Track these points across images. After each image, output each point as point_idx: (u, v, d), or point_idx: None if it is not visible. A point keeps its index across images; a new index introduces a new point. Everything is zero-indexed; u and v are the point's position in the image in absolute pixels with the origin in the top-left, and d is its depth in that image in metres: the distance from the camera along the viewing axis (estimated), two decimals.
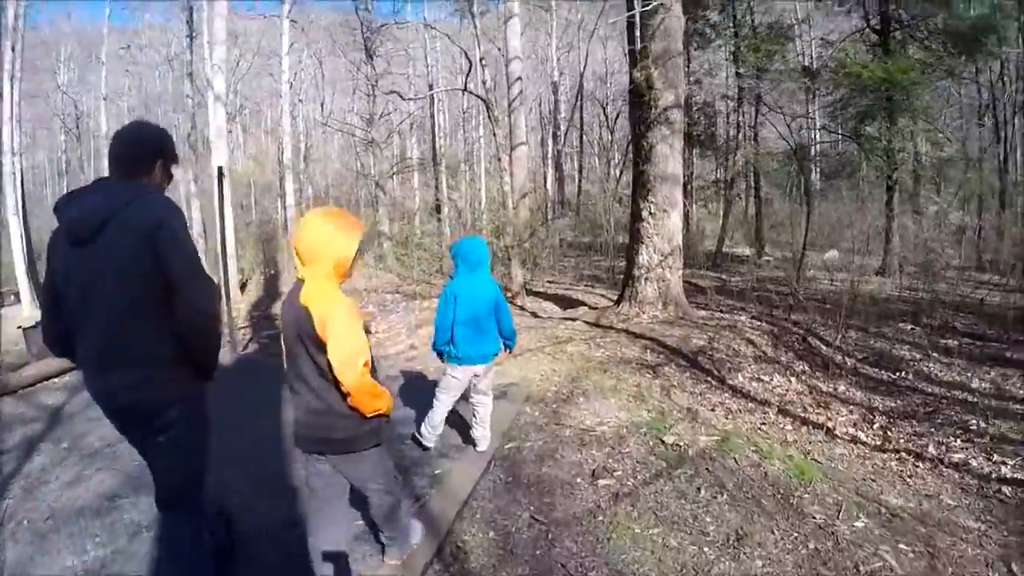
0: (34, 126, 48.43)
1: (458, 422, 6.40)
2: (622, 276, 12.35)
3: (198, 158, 23.43)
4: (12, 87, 19.77)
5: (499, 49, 24.25)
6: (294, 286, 3.46)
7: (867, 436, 6.63)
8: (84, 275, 3.10)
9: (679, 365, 8.50)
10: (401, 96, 18.23)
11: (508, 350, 6.02)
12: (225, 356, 9.01)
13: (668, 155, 10.76)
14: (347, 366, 3.26)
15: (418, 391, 7.45)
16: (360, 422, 3.48)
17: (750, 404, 7.32)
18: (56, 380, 8.84)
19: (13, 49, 19.71)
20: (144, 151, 3.41)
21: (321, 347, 3.29)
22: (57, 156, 50.86)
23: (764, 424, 6.72)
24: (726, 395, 7.58)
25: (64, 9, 45.42)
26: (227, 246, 8.28)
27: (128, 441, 3.53)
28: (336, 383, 3.34)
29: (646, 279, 10.97)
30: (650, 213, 10.83)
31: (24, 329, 10.38)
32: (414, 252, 19.35)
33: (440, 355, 5.68)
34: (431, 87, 31.09)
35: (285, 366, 3.60)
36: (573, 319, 11.60)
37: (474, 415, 5.92)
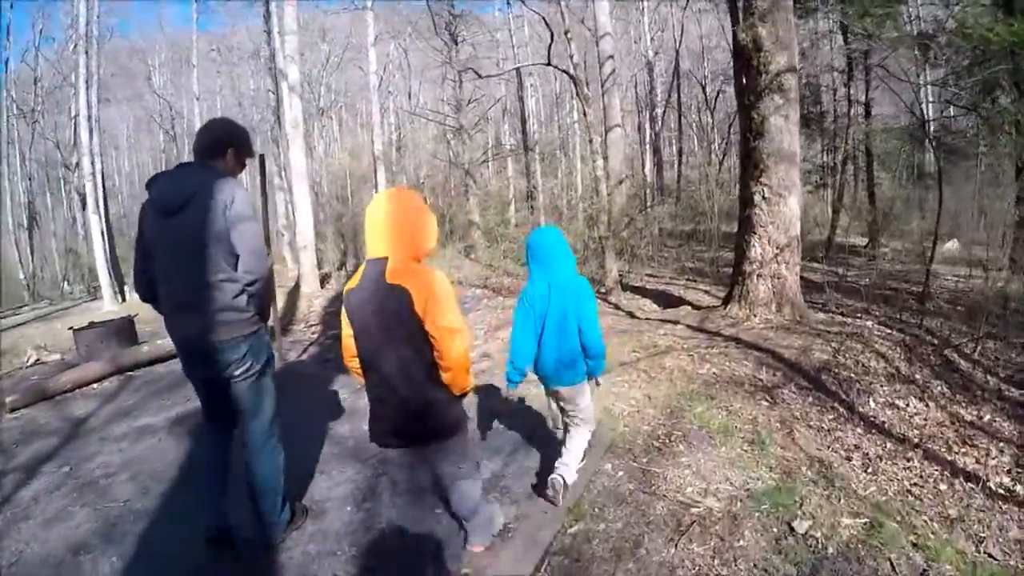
0: (136, 129, 55.77)
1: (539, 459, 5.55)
2: (729, 271, 11.09)
3: (281, 151, 23.25)
4: (87, 91, 20.36)
5: (589, 30, 23.19)
6: (366, 269, 3.44)
7: None
8: (172, 239, 3.78)
9: (800, 387, 7.08)
10: (477, 73, 17.24)
11: (592, 377, 4.73)
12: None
13: (783, 128, 9.30)
14: (454, 337, 3.33)
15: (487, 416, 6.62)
16: (452, 405, 3.56)
17: (889, 444, 5.86)
18: (95, 386, 8.94)
19: (87, 53, 20.22)
20: (217, 141, 4.07)
21: (419, 327, 3.30)
22: (157, 155, 53.03)
23: (914, 483, 5.19)
24: (859, 430, 6.14)
25: (155, 18, 48.01)
26: (269, 231, 7.85)
27: (203, 382, 4.15)
28: (431, 365, 3.40)
29: (758, 276, 9.57)
30: (763, 198, 9.42)
31: (75, 330, 10.36)
32: (501, 242, 18.37)
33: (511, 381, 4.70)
34: (519, 72, 30.11)
35: (359, 358, 3.57)
36: (674, 322, 10.23)
37: (564, 440, 4.95)
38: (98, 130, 21.79)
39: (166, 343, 9.63)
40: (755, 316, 9.55)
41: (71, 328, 10.76)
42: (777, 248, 9.39)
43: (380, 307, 3.31)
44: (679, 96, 33.97)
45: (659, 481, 4.98)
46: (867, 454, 5.66)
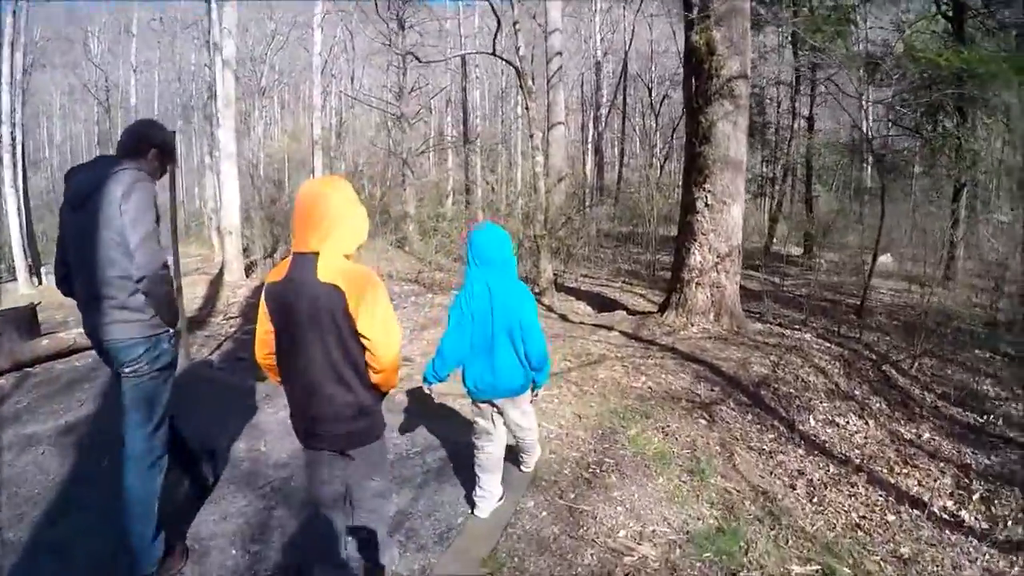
0: (70, 98, 54.94)
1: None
2: (667, 275, 10.85)
3: (213, 130, 22.57)
4: (12, 54, 20.04)
5: (540, 25, 22.81)
6: (292, 264, 3.20)
7: (970, 514, 5.08)
8: (78, 232, 3.70)
9: (740, 403, 6.78)
10: (417, 58, 16.77)
11: (534, 389, 4.54)
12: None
13: (731, 135, 9.02)
14: (390, 343, 3.24)
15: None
16: (377, 409, 3.45)
17: (832, 467, 5.63)
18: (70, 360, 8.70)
19: (15, 14, 20.06)
20: (140, 140, 4.01)
21: (350, 327, 3.15)
22: (91, 127, 53.11)
23: (862, 516, 4.90)
24: (801, 451, 5.90)
25: None
26: (176, 223, 8.00)
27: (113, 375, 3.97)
28: (359, 366, 3.26)
29: (697, 284, 9.30)
30: (706, 204, 9.12)
31: None
32: (432, 237, 17.91)
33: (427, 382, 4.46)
34: (463, 60, 29.76)
35: (278, 356, 3.36)
36: (609, 328, 9.82)
37: (517, 444, 4.87)
38: (20, 98, 21.08)
39: (67, 337, 9.10)
40: (692, 325, 9.27)
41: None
42: (718, 257, 9.12)
43: (310, 305, 3.13)
44: (624, 98, 33.83)
45: (588, 522, 4.49)
46: (811, 480, 5.39)
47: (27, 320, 9.45)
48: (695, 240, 9.28)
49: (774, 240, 20.99)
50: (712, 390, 7.10)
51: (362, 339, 3.19)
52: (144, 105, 45.05)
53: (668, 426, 6.08)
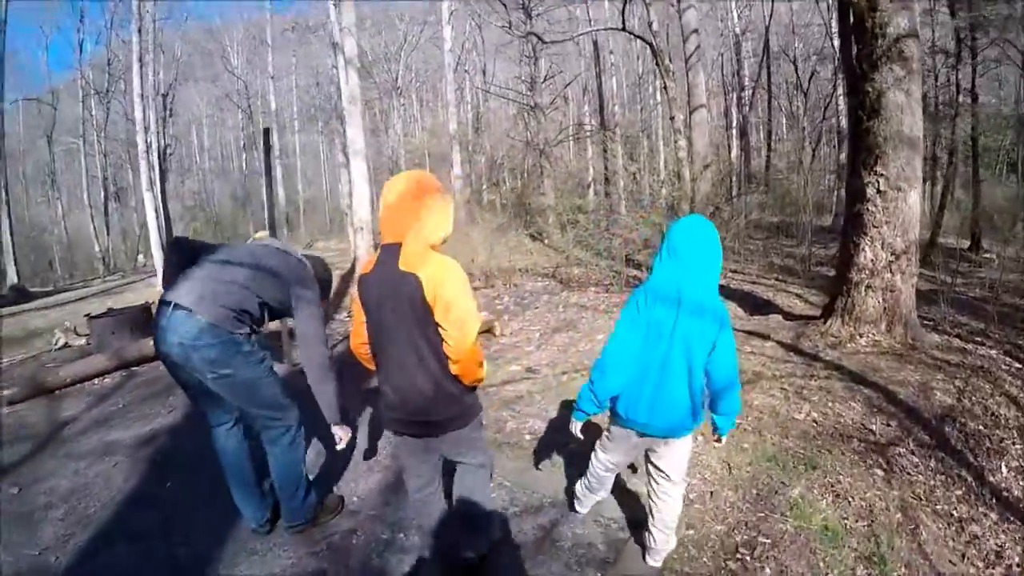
0: (216, 107, 58.80)
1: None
2: (823, 271, 9.47)
3: (345, 128, 22.72)
4: (141, 69, 21.44)
5: (672, 5, 21.40)
6: (381, 255, 3.31)
7: None
8: None
9: (921, 444, 5.33)
10: (540, 39, 15.90)
11: (716, 432, 3.60)
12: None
13: (903, 106, 7.48)
14: (465, 332, 3.20)
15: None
16: (464, 394, 3.40)
17: None
18: (96, 381, 8.54)
19: (140, 32, 21.50)
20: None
21: (429, 316, 3.18)
22: (237, 133, 59.05)
23: None
24: (994, 515, 4.42)
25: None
26: (275, 208, 8.72)
27: None
28: (443, 354, 3.26)
29: (868, 287, 7.85)
30: (878, 191, 7.65)
31: (89, 317, 10.05)
32: (571, 229, 16.86)
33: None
34: (595, 44, 28.73)
35: (370, 345, 3.46)
36: (764, 336, 8.52)
37: (650, 508, 3.77)
38: (156, 107, 22.90)
39: None
40: (860, 336, 7.87)
41: (86, 315, 10.48)
42: (892, 254, 7.66)
43: (393, 294, 3.21)
44: (769, 77, 31.87)
45: None
46: (1010, 566, 3.98)
47: (140, 319, 9.83)
48: (865, 234, 7.83)
49: (940, 231, 18.66)
50: (888, 424, 5.71)
51: (441, 330, 3.20)
52: (284, 110, 47.65)
53: (838, 482, 4.77)
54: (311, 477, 4.50)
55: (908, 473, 4.94)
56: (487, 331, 9.98)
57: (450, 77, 26.73)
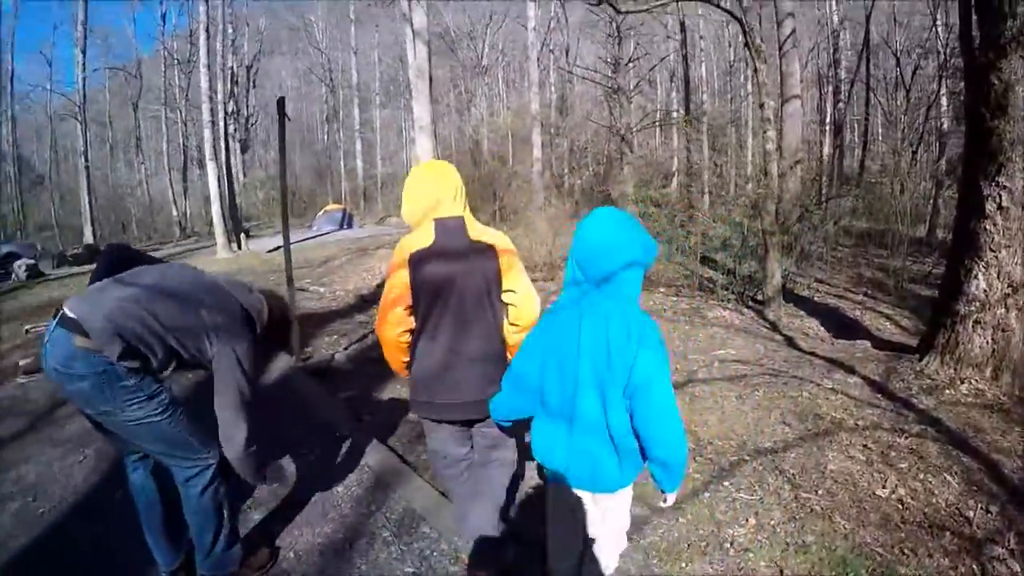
0: (303, 79, 61.28)
1: None
2: (916, 289, 8.15)
3: (407, 104, 22.52)
4: (207, 39, 22.65)
5: None
6: (439, 229, 3.23)
7: None
8: None
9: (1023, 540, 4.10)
10: (615, 7, 14.76)
11: (660, 487, 2.80)
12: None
13: None
14: (535, 298, 3.38)
15: None
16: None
17: None
18: None
19: (207, 2, 22.75)
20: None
21: (499, 288, 3.29)
22: (321, 105, 60.51)
23: None
24: None
25: None
26: (286, 182, 8.20)
27: None
28: (503, 329, 3.37)
29: (976, 322, 6.48)
30: (998, 207, 6.22)
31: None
32: (645, 221, 15.81)
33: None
34: (682, 26, 27.43)
35: (422, 323, 3.32)
36: (849, 368, 7.27)
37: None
38: (226, 78, 24.49)
39: None
40: (962, 382, 6.53)
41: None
42: (1009, 285, 6.30)
43: (467, 266, 3.18)
44: (868, 71, 29.93)
45: None
46: None
47: None
48: (979, 258, 6.45)
49: None
50: (988, 511, 4.43)
51: (508, 296, 3.30)
52: (365, 85, 48.61)
53: None
54: (239, 526, 3.90)
55: None
56: None
57: (533, 56, 26.02)
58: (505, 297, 3.31)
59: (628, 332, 2.55)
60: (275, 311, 3.67)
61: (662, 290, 12.52)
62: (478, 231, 3.27)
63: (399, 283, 3.23)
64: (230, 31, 36.63)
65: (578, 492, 2.82)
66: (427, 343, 3.31)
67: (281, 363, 7.78)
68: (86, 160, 31.34)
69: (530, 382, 2.84)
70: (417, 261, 3.19)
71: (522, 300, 3.30)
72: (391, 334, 3.36)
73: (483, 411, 3.22)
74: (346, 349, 8.68)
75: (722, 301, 11.56)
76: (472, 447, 3.72)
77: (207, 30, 22.07)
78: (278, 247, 13.86)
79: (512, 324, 3.35)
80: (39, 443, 5.85)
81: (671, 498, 2.83)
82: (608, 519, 2.91)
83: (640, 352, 2.53)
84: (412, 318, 3.32)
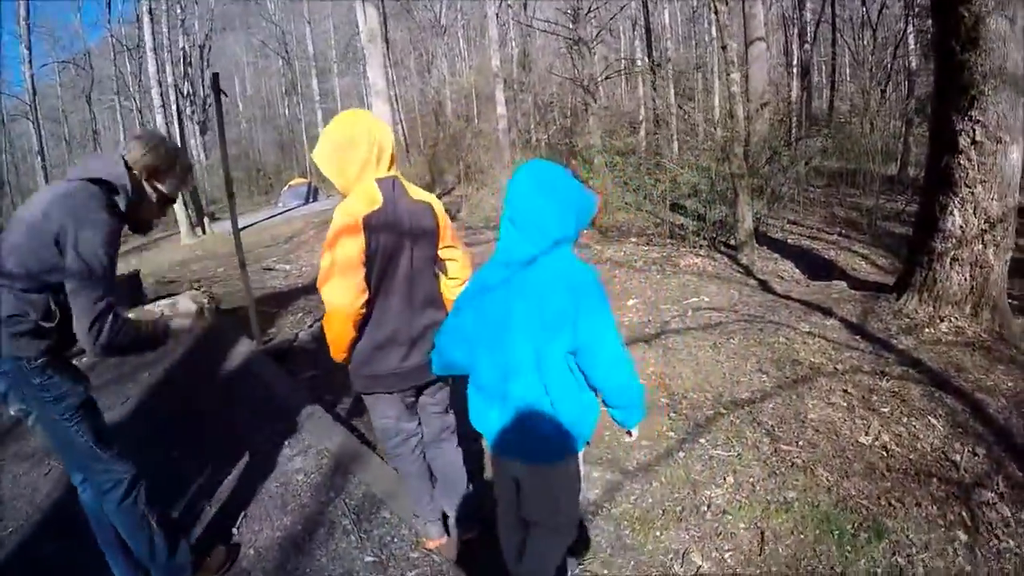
0: (259, 54, 62.06)
1: None
2: (890, 227, 7.96)
3: (365, 69, 22.20)
4: (151, 22, 23.21)
5: None
6: (383, 189, 3.05)
7: None
8: None
9: (1014, 484, 3.95)
10: None
11: (623, 426, 2.83)
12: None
13: (1006, 36, 5.77)
14: (470, 255, 3.48)
15: None
16: None
17: None
18: (84, 358, 7.47)
19: None
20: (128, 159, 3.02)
21: (436, 247, 3.27)
22: (278, 79, 60.81)
23: None
24: None
25: None
26: (227, 161, 7.90)
27: None
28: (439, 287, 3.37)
29: (954, 259, 6.30)
30: (972, 141, 6.02)
31: None
32: (612, 171, 15.52)
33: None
34: None
35: (372, 291, 3.07)
36: (825, 310, 7.08)
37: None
38: (174, 59, 25.15)
39: (155, 309, 7.95)
40: (941, 320, 6.38)
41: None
42: (986, 221, 6.11)
43: (413, 226, 3.10)
44: (833, 11, 29.72)
45: None
46: None
47: (127, 288, 9.09)
48: (954, 194, 6.27)
49: None
50: (975, 454, 4.27)
51: (448, 252, 3.32)
52: (322, 54, 48.66)
53: (911, 554, 3.45)
54: (198, 524, 3.99)
55: (996, 536, 3.59)
56: None
57: (491, 12, 25.85)
58: (444, 253, 3.30)
59: (566, 288, 2.43)
60: (151, 157, 3.05)
61: (633, 240, 12.33)
62: (414, 191, 3.21)
63: (355, 249, 2.98)
64: (179, 12, 36.20)
65: (516, 463, 2.73)
66: (379, 312, 3.16)
67: (242, 348, 7.54)
68: (43, 159, 31.00)
69: (465, 334, 2.76)
70: (369, 222, 2.99)
71: (462, 256, 3.35)
72: (353, 305, 3.03)
73: (426, 376, 3.24)
74: (310, 327, 8.45)
75: (694, 248, 11.34)
76: (419, 421, 3.58)
77: (150, 12, 22.21)
78: (244, 227, 13.68)
79: (452, 279, 3.38)
80: (7, 457, 5.57)
81: (635, 432, 2.85)
82: (549, 497, 2.75)
83: (582, 307, 2.41)
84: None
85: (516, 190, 2.55)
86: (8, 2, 29.82)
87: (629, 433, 2.84)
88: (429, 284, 3.27)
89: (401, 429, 3.44)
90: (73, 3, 53.87)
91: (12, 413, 2.99)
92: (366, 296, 3.05)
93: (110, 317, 2.76)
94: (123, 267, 13.26)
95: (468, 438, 3.84)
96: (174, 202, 3.37)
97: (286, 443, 5.02)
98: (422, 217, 3.14)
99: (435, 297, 3.31)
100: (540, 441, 2.55)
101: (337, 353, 3.23)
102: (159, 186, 3.07)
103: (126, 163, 2.96)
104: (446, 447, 3.60)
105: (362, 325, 3.15)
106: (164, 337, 3.25)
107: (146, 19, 22.29)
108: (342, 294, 2.98)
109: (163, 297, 9.33)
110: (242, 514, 4.13)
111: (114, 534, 3.27)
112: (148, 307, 8.81)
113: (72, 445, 3.04)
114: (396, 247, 3.07)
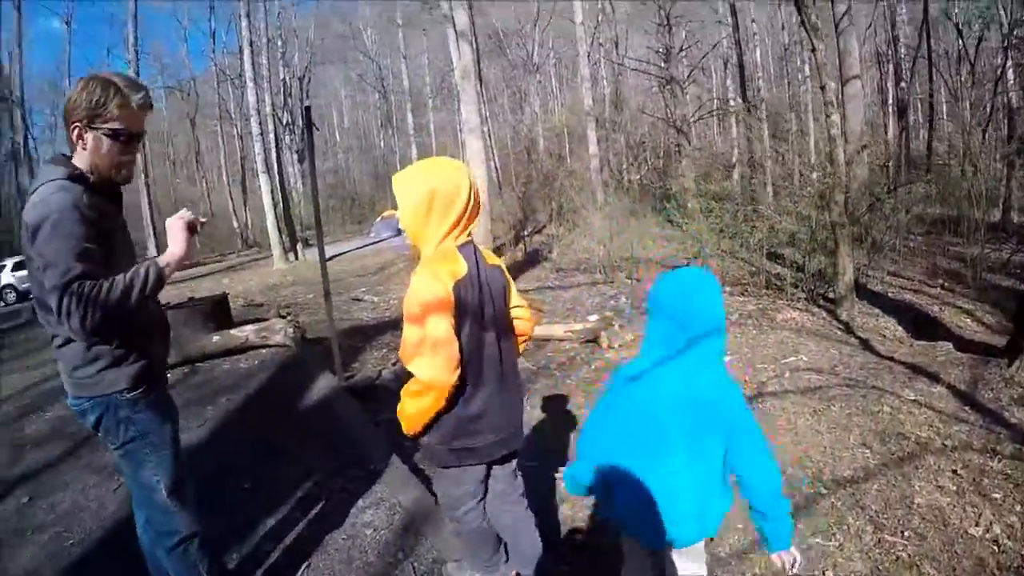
0: (356, 87, 64.32)
1: None
2: (1003, 285, 7.64)
3: (459, 105, 22.21)
4: (251, 55, 24.17)
5: None
6: (465, 255, 2.92)
7: None
8: None
9: None
10: None
11: (773, 543, 2.60)
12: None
13: None
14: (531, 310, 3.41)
15: None
16: None
17: None
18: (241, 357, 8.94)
19: (248, 17, 24.16)
20: (65, 115, 2.75)
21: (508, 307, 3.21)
22: (373, 111, 63.48)
23: None
24: None
25: None
26: (317, 191, 8.40)
27: None
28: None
29: None
30: None
31: (167, 307, 9.19)
32: (708, 216, 15.30)
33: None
34: (733, 9, 26.66)
35: (464, 362, 2.91)
36: (932, 375, 6.82)
37: None
38: (273, 90, 26.01)
39: (239, 334, 9.16)
40: None
41: (164, 304, 9.90)
42: None
43: (496, 294, 3.04)
44: (928, 46, 28.48)
45: None
46: None
47: (215, 310, 9.71)
48: None
49: None
50: None
51: (517, 311, 3.25)
52: (417, 89, 49.68)
53: None
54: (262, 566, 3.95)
55: None
56: (592, 340, 8.99)
57: (583, 51, 25.79)
58: (514, 312, 3.25)
59: (719, 390, 2.50)
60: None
61: (727, 289, 12.09)
62: (487, 254, 3.15)
63: (447, 322, 2.84)
64: (279, 44, 37.65)
65: (650, 548, 2.76)
66: (471, 383, 3.00)
67: (323, 382, 7.60)
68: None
69: (604, 447, 2.71)
70: (460, 295, 2.86)
71: (527, 313, 3.32)
72: (450, 380, 2.88)
73: (520, 440, 3.27)
74: (394, 364, 8.41)
75: (791, 301, 11.09)
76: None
77: (251, 45, 23.24)
78: (335, 256, 13.86)
79: (519, 335, 3.31)
80: (78, 468, 5.83)
81: (796, 555, 2.60)
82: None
83: (736, 409, 2.50)
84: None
85: (670, 291, 2.58)
86: (119, 29, 31.90)
87: (791, 559, 2.60)
88: (511, 349, 3.20)
89: (477, 493, 3.32)
90: (179, 33, 57.07)
91: (99, 437, 3.00)
92: (459, 370, 2.89)
93: (73, 286, 2.49)
94: (215, 287, 13.69)
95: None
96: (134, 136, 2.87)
97: (359, 492, 4.94)
98: (499, 280, 3.09)
99: (516, 361, 3.26)
100: (681, 526, 2.56)
101: (415, 428, 3.07)
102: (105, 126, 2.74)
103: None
104: (517, 508, 3.48)
105: (453, 398, 2.97)
106: (155, 273, 2.74)
107: (246, 51, 23.41)
108: (439, 371, 2.83)
109: (250, 322, 9.70)
110: (305, 564, 4.05)
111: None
112: (234, 331, 9.15)
113: (142, 486, 3.04)
114: (483, 314, 2.98)
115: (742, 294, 11.83)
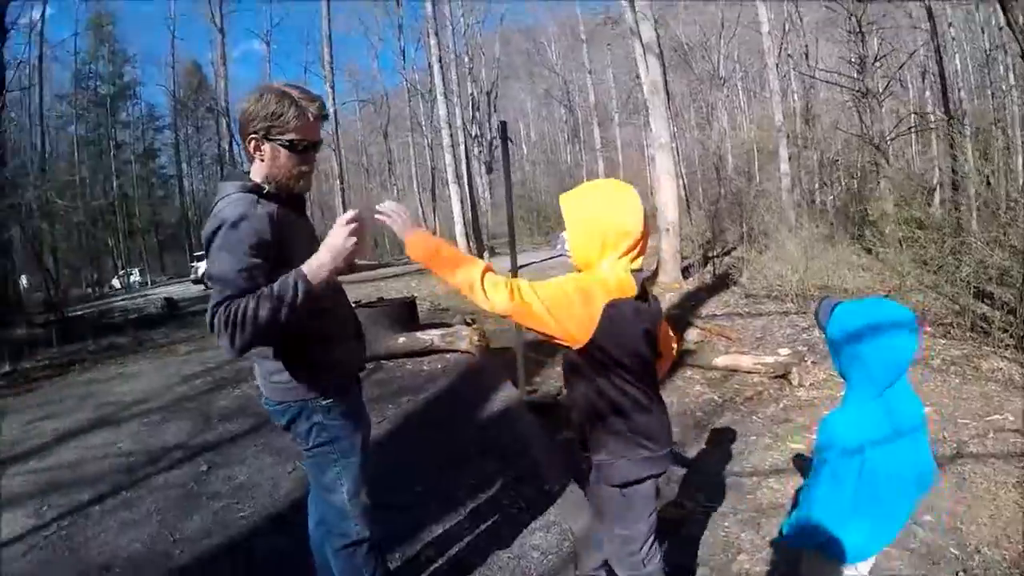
0: (542, 102, 67.07)
1: None
2: None
3: (647, 121, 21.93)
4: (441, 68, 25.87)
5: None
6: (638, 278, 2.78)
7: None
8: None
9: None
10: None
11: None
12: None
13: None
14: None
15: None
16: None
17: None
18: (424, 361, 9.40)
19: (437, 34, 25.58)
20: (240, 127, 2.82)
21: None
22: (559, 125, 65.66)
23: None
24: None
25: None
26: (512, 204, 8.16)
27: None
28: None
29: None
30: None
31: (358, 305, 9.75)
32: (904, 246, 14.55)
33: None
34: (929, 12, 24.81)
35: (635, 381, 2.82)
36: None
37: None
38: (463, 104, 27.83)
39: (425, 337, 9.69)
40: None
41: (355, 302, 10.44)
42: None
43: (656, 320, 2.90)
44: None
45: None
46: None
47: (403, 312, 10.43)
48: None
49: None
50: None
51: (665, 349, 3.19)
52: (603, 104, 50.06)
53: None
54: None
55: None
56: (782, 375, 8.66)
57: (771, 62, 25.58)
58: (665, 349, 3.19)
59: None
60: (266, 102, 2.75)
61: (928, 330, 11.40)
62: (648, 286, 2.96)
63: (581, 315, 2.65)
64: (467, 60, 39.07)
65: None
66: (631, 402, 2.83)
67: (504, 393, 7.70)
68: (342, 182, 36.18)
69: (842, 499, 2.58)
70: (630, 313, 2.73)
71: (673, 351, 3.32)
72: (495, 307, 2.65)
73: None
74: None
75: (999, 347, 10.22)
76: None
77: (440, 62, 24.95)
78: (523, 266, 14.10)
79: (661, 369, 3.19)
80: (256, 447, 6.36)
81: None
82: None
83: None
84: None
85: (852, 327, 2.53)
86: (315, 48, 34.45)
87: None
88: (655, 370, 3.03)
89: (653, 527, 2.98)
90: (371, 50, 60.62)
91: (290, 437, 3.12)
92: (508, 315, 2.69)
93: (221, 308, 2.49)
94: (403, 289, 14.19)
95: None
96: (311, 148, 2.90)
97: (531, 511, 4.87)
98: (659, 311, 2.97)
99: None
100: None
101: (431, 264, 2.76)
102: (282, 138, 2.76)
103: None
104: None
105: (611, 413, 2.83)
106: (303, 288, 2.61)
107: (436, 67, 25.02)
108: (500, 303, 2.63)
109: (436, 326, 9.94)
110: None
111: (330, 573, 3.32)
112: (420, 334, 9.51)
113: (324, 487, 3.12)
114: (641, 338, 2.79)
115: (944, 336, 11.02)
